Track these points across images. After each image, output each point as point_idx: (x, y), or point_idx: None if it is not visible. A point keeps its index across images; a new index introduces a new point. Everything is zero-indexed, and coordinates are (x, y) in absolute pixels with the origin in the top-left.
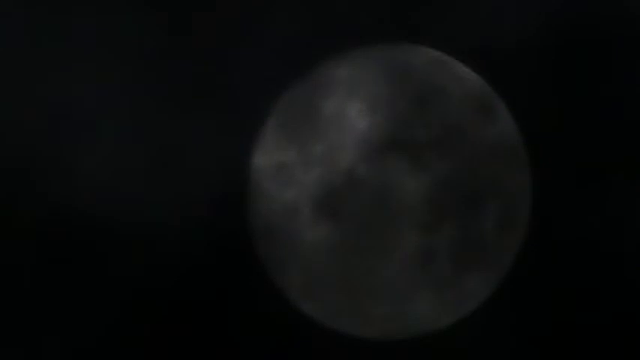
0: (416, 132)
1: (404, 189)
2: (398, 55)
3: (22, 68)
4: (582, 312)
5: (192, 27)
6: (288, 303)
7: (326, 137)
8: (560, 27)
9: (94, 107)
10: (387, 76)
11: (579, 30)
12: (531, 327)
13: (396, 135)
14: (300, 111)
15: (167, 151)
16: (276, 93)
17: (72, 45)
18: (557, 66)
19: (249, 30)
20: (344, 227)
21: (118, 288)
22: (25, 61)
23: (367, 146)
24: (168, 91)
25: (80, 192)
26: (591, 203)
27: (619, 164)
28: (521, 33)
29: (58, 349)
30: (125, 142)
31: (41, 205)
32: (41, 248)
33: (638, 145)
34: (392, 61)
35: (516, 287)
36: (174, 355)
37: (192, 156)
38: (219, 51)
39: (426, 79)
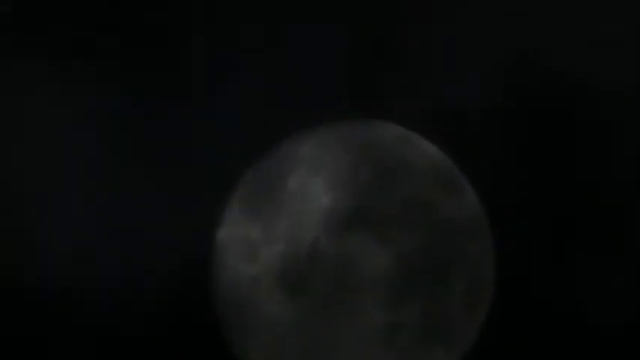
0: (380, 206)
1: (368, 263)
2: (360, 130)
3: None
4: None
5: (155, 97)
6: None
7: (290, 212)
8: (521, 99)
9: (53, 175)
10: (350, 151)
11: (540, 101)
12: None
13: (359, 210)
14: (265, 186)
15: (128, 221)
16: (240, 168)
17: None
18: (519, 137)
19: (214, 103)
20: (308, 302)
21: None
22: None
23: (331, 221)
24: (130, 160)
25: (36, 264)
26: (557, 276)
27: (583, 232)
28: (483, 105)
29: None
30: (83, 212)
31: None
32: None
33: (599, 212)
34: (354, 136)
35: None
36: None
37: (154, 226)
38: (183, 123)
39: (389, 154)
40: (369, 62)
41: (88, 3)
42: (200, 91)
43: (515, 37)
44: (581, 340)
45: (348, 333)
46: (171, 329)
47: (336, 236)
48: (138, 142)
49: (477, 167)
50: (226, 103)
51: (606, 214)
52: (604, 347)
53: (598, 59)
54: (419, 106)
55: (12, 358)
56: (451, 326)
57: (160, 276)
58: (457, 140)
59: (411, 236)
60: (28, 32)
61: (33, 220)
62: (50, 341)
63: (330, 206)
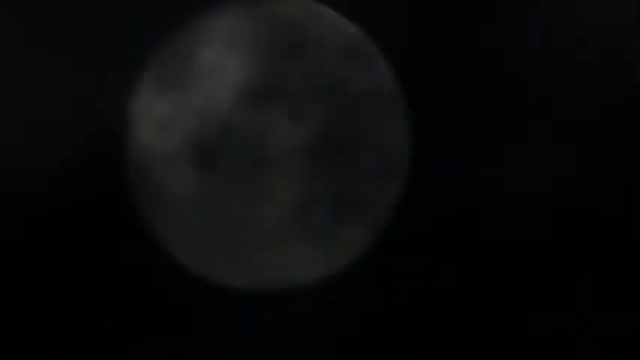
0: (291, 81)
1: (281, 139)
2: (272, 5)
3: None
4: (456, 269)
5: None
6: (164, 253)
7: (203, 88)
8: None
9: None
10: (263, 26)
11: None
12: (405, 283)
13: (273, 85)
14: (178, 62)
15: (40, 96)
16: (154, 44)
17: None
18: (431, 9)
19: None
20: (221, 178)
21: None
22: None
23: (244, 97)
24: (40, 36)
25: None
26: (469, 153)
27: (494, 111)
28: None
29: None
30: None
31: None
32: None
33: (514, 94)
34: (266, 11)
35: (393, 241)
36: (35, 298)
37: (66, 103)
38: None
39: (302, 29)
40: None
41: None
42: None
43: None
44: (495, 217)
45: (260, 211)
46: (83, 206)
47: (249, 112)
48: (45, 18)
49: (390, 40)
50: None
51: (518, 94)
52: (519, 224)
53: None
54: None
55: None
56: (364, 202)
57: (72, 150)
58: (370, 13)
59: (322, 112)
60: None
61: None
62: None
63: (243, 82)
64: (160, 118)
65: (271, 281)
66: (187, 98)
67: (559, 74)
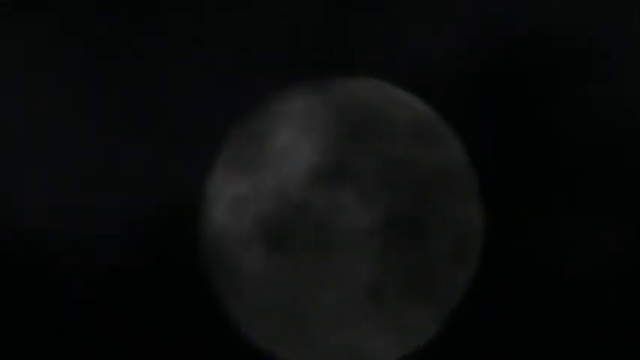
0: (362, 162)
1: (352, 220)
2: (343, 87)
3: None
4: (532, 344)
5: (144, 52)
6: (235, 330)
7: (276, 169)
8: (497, 48)
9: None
10: (334, 108)
11: (524, 49)
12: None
13: (344, 166)
14: (252, 144)
15: (115, 175)
16: (227, 125)
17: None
18: (501, 88)
19: (201, 61)
20: (292, 258)
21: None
22: None
23: (316, 178)
24: (119, 117)
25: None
26: (542, 232)
27: (568, 184)
28: (461, 55)
29: None
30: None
31: None
32: None
33: (583, 170)
34: (338, 93)
35: (467, 321)
36: None
37: (143, 184)
38: (171, 80)
39: (372, 110)
40: (343, 15)
41: None
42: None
43: None
44: (572, 296)
45: (331, 291)
46: (160, 288)
47: (320, 193)
48: (127, 98)
49: (461, 120)
50: (213, 58)
51: (586, 165)
52: (595, 302)
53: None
54: (397, 59)
55: None
56: (437, 284)
57: (149, 231)
58: (439, 93)
59: (393, 193)
60: None
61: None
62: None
63: (315, 163)
64: (234, 198)
65: None
66: (261, 180)
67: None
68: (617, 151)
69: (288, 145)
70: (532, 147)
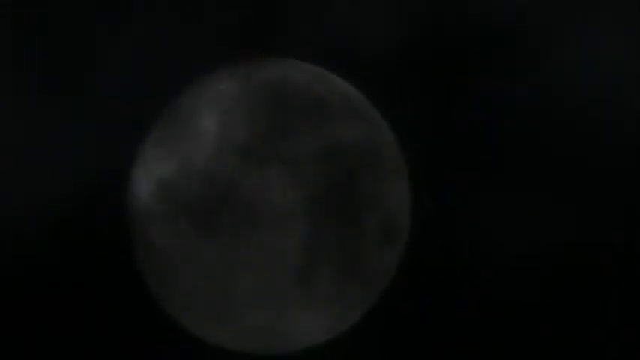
0: (290, 143)
1: (280, 201)
2: (273, 69)
3: None
4: (459, 325)
5: (70, 31)
6: (166, 314)
7: (203, 150)
8: (425, 32)
9: None
10: (264, 90)
11: (446, 32)
12: (408, 341)
13: (270, 147)
14: (179, 125)
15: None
16: (155, 107)
17: None
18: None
19: (129, 41)
20: (222, 240)
21: None
22: None
23: (247, 159)
24: (43, 98)
25: None
26: (467, 212)
27: (493, 169)
28: (390, 41)
29: None
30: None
31: None
32: None
33: (511, 150)
34: (267, 75)
35: (395, 301)
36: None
37: (69, 163)
38: (99, 60)
39: (302, 92)
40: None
41: None
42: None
43: None
44: (496, 279)
45: (257, 272)
46: (89, 268)
47: (251, 175)
48: (54, 76)
49: (390, 104)
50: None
51: (517, 148)
52: (517, 284)
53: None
54: (328, 43)
55: None
56: (365, 265)
57: (77, 212)
58: (370, 78)
59: (322, 173)
60: None
61: None
62: None
63: (246, 145)
64: (162, 181)
65: (272, 344)
66: (189, 162)
67: (558, 128)
68: (547, 136)
69: (214, 126)
70: (461, 130)
